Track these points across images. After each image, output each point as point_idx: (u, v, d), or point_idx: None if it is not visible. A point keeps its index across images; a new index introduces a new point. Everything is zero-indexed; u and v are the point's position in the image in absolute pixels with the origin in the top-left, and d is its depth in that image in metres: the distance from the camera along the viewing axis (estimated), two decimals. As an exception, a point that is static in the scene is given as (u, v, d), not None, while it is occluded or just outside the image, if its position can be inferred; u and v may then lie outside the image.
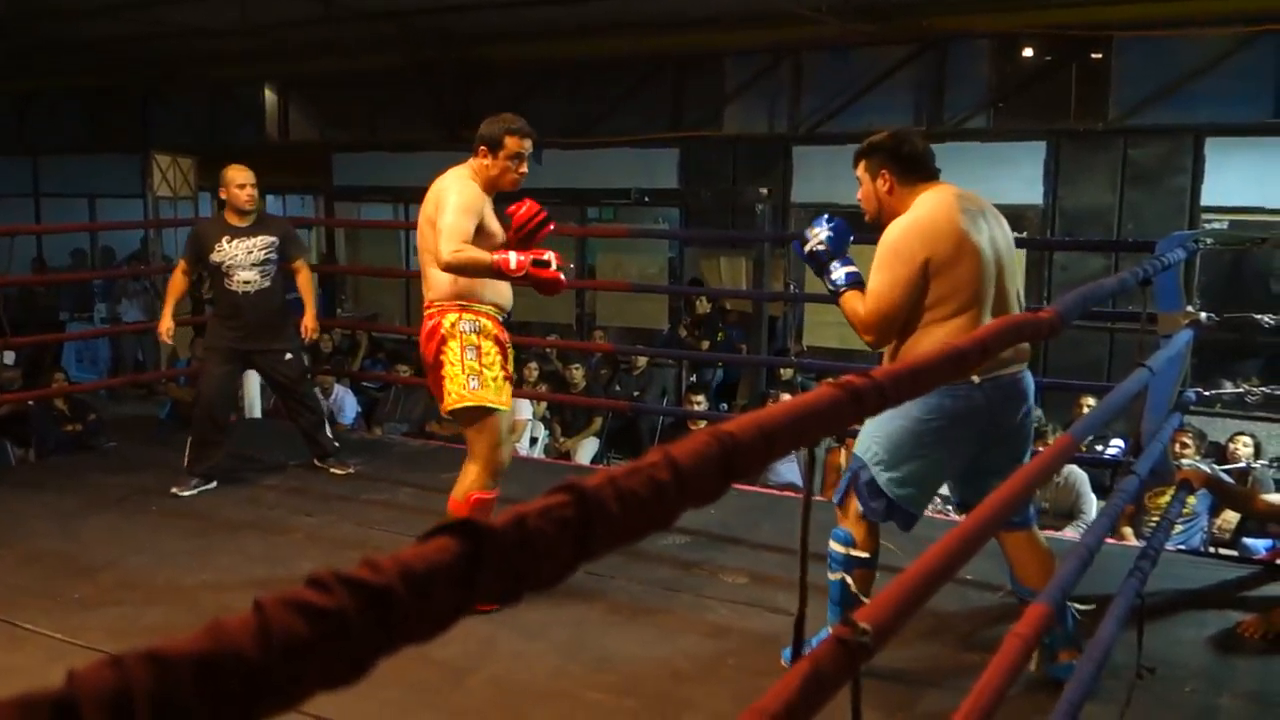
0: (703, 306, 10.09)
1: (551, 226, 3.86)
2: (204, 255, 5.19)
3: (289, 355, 5.36)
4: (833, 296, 3.08)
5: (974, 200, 3.02)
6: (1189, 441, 6.27)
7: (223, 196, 5.22)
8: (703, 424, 6.69)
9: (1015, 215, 9.43)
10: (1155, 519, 4.15)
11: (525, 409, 8.00)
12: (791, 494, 5.83)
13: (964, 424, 2.96)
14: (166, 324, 5.27)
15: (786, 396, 6.66)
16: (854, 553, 3.09)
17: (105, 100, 14.28)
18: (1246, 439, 6.90)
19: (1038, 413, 7.75)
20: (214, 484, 5.17)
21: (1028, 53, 9.36)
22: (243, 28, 9.99)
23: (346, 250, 13.32)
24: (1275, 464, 6.20)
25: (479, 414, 3.63)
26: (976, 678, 1.69)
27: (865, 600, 3.07)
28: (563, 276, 3.61)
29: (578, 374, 8.76)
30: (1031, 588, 3.07)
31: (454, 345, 3.60)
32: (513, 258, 3.49)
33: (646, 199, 10.84)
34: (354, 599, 0.55)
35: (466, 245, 3.48)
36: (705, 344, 9.70)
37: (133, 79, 13.60)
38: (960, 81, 9.64)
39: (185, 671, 0.47)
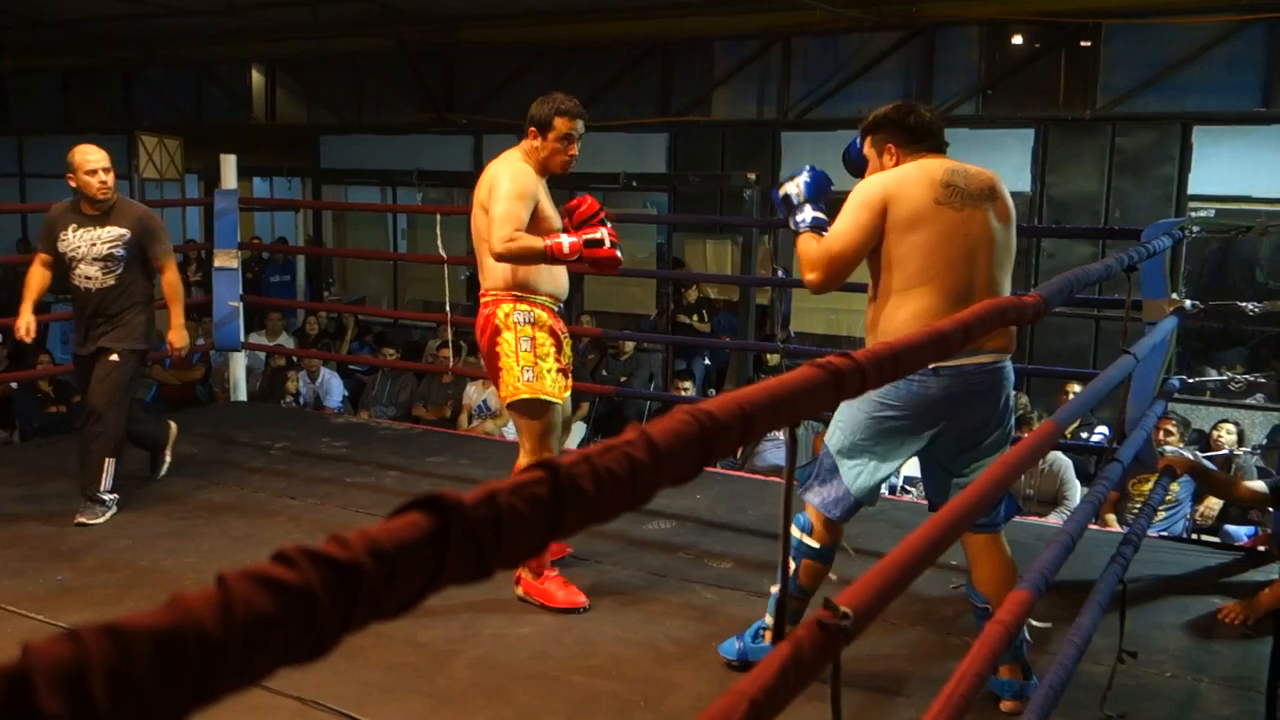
0: (700, 293, 10.10)
1: (610, 224, 3.81)
2: (53, 244, 4.59)
3: (115, 356, 4.48)
4: (793, 237, 2.98)
5: (973, 178, 2.85)
6: (1173, 429, 6.30)
7: (71, 184, 4.58)
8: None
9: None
10: (1139, 505, 4.16)
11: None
12: (777, 479, 5.84)
13: (918, 414, 2.82)
14: (24, 319, 4.61)
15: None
16: (807, 540, 2.97)
17: (89, 80, 14.18)
18: (1230, 426, 6.93)
19: (1023, 399, 7.80)
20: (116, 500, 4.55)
21: (1017, 40, 9.36)
22: (227, 7, 9.92)
23: (333, 233, 13.27)
24: (1258, 451, 6.23)
25: (533, 406, 3.52)
26: (959, 663, 1.69)
27: (805, 593, 2.99)
28: (619, 253, 3.55)
29: (565, 358, 8.73)
30: (985, 596, 2.96)
31: (509, 337, 3.51)
32: (565, 241, 3.42)
33: (635, 183, 10.81)
34: (320, 574, 0.54)
35: (520, 234, 3.39)
36: (706, 327, 9.74)
37: (117, 59, 13.51)
38: (949, 68, 9.63)
39: (144, 646, 0.46)
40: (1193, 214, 8.46)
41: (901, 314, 2.80)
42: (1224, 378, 5.34)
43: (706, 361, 10.02)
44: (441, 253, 5.82)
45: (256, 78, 13.31)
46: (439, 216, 6.17)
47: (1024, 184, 9.18)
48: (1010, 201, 2.93)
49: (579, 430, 8.55)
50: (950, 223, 2.76)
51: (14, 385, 7.66)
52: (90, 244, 4.53)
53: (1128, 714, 2.94)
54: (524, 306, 3.53)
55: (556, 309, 3.66)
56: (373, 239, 12.76)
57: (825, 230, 2.88)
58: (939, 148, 2.92)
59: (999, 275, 2.86)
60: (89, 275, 4.53)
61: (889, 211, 2.76)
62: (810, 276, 2.86)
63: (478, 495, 0.66)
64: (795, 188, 2.99)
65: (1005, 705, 2.96)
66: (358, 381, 9.59)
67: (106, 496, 4.49)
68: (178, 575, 3.85)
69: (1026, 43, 9.33)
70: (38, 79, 14.57)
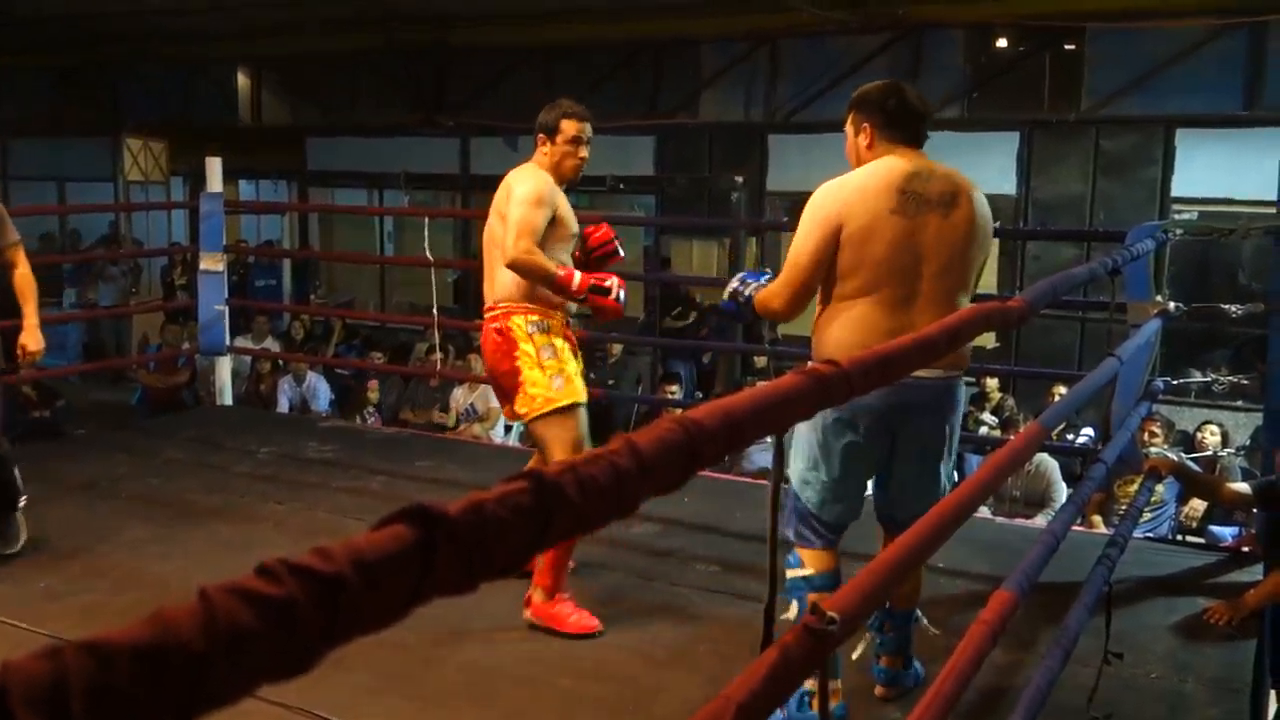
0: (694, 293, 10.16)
1: (622, 255, 3.77)
2: None
3: None
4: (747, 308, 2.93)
5: (935, 181, 2.75)
6: (1157, 430, 6.32)
7: None
8: (678, 413, 6.67)
9: (989, 204, 9.55)
10: (1124, 507, 4.18)
11: (499, 396, 7.98)
12: (765, 482, 5.84)
13: (864, 425, 2.75)
14: None
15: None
16: (803, 573, 2.85)
17: (74, 81, 14.10)
18: (1214, 428, 6.97)
19: (1009, 401, 7.82)
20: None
21: (1002, 43, 9.39)
22: (214, 5, 9.90)
23: (320, 235, 13.23)
24: (1242, 452, 6.26)
25: (567, 414, 3.43)
26: (944, 664, 1.70)
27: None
28: (622, 305, 3.53)
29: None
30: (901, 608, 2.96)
31: (528, 348, 3.43)
32: (577, 276, 3.39)
33: (622, 185, 10.82)
34: (303, 588, 0.54)
35: (536, 249, 3.36)
36: (703, 331, 9.77)
37: (101, 60, 13.45)
38: (935, 71, 9.66)
39: (124, 662, 0.46)
40: (1176, 216, 8.50)
41: (839, 322, 2.76)
42: (1208, 379, 5.37)
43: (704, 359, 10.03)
44: (429, 255, 5.81)
45: (243, 79, 13.27)
46: (426, 219, 6.16)
47: (1009, 186, 9.21)
48: (979, 208, 2.82)
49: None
50: (900, 231, 2.69)
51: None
52: None
53: (1114, 715, 2.94)
54: (535, 317, 3.47)
55: (568, 321, 3.65)
56: (360, 241, 12.73)
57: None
58: (916, 139, 2.83)
59: (948, 284, 2.74)
60: None
61: (843, 228, 2.70)
62: (775, 306, 2.84)
63: (463, 505, 0.66)
64: (738, 283, 3.01)
65: (879, 691, 3.03)
66: (344, 385, 9.57)
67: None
68: (163, 581, 3.82)
69: (1012, 46, 9.36)
70: (24, 80, 14.49)
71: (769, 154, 10.26)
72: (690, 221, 10.70)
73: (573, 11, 10.23)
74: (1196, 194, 8.69)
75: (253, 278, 12.52)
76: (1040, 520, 5.81)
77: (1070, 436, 7.05)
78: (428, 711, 2.97)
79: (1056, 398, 6.97)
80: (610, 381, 9.07)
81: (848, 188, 2.75)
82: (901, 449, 2.81)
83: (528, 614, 3.48)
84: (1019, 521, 5.53)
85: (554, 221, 3.44)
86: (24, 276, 4.05)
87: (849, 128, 2.89)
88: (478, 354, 8.43)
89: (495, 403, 7.88)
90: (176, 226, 13.11)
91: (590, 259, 3.68)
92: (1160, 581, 3.99)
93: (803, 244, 2.76)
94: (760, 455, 6.94)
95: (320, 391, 8.79)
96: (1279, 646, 3.62)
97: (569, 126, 3.48)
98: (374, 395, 8.51)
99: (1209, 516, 6.33)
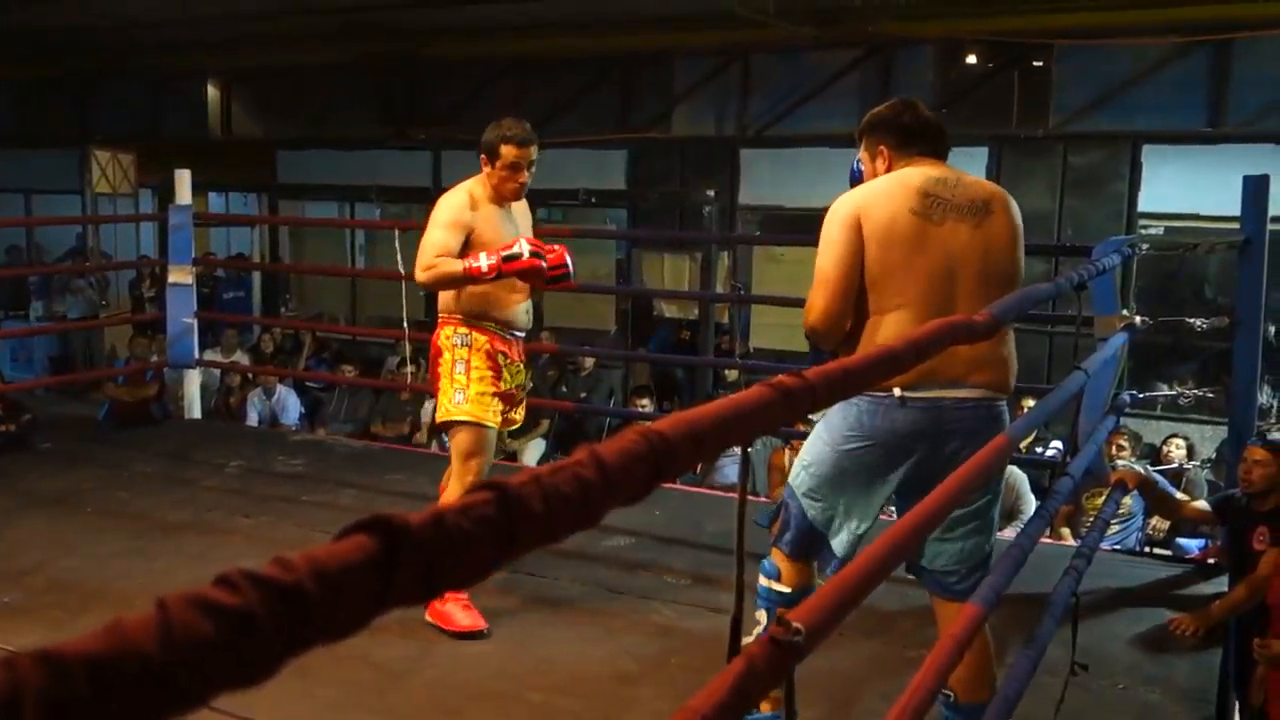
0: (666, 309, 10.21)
1: (572, 284, 3.75)
2: None
3: None
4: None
5: (964, 188, 2.61)
6: (1125, 443, 6.39)
7: None
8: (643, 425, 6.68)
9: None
10: (1092, 519, 4.21)
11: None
12: (735, 495, 5.85)
13: (885, 450, 2.55)
14: None
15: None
16: (777, 587, 2.71)
17: (40, 93, 13.97)
18: (1179, 441, 7.04)
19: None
20: None
21: (971, 59, 9.48)
22: (184, 19, 9.85)
23: (291, 249, 13.16)
24: (1208, 465, 6.33)
25: (461, 428, 3.54)
26: (913, 677, 1.70)
27: None
28: (543, 263, 3.44)
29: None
30: (969, 700, 2.65)
31: (445, 359, 3.56)
32: (483, 260, 3.39)
33: (594, 200, 10.83)
34: (262, 598, 0.54)
35: (438, 260, 3.42)
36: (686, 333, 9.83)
37: (69, 71, 13.33)
38: (905, 86, 9.72)
39: (80, 672, 0.46)
40: (1143, 231, 8.59)
41: (871, 336, 2.56)
42: (1174, 393, 5.42)
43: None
44: (400, 269, 5.78)
45: (212, 92, 13.19)
46: (397, 232, 6.13)
47: (979, 201, 9.29)
48: (1014, 220, 2.68)
49: (538, 446, 8.54)
50: (927, 236, 2.52)
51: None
52: None
53: (1081, 726, 2.96)
54: (463, 330, 3.56)
55: (507, 335, 3.64)
56: (331, 255, 12.67)
57: None
58: (936, 152, 2.69)
59: (993, 296, 2.42)
60: None
61: (863, 224, 2.53)
62: (818, 326, 2.60)
63: (425, 516, 0.66)
64: None
65: None
66: (315, 398, 9.51)
67: None
68: (129, 595, 3.79)
69: (981, 62, 9.45)
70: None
71: (741, 168, 10.30)
72: (662, 235, 10.72)
73: (545, 26, 10.25)
74: (1163, 209, 8.79)
75: (222, 291, 12.43)
76: (1009, 533, 5.84)
77: (1039, 449, 7.10)
78: (397, 726, 2.96)
79: (1025, 411, 7.02)
80: (583, 395, 9.07)
81: (864, 190, 2.60)
82: (927, 478, 2.33)
83: (426, 614, 3.51)
84: (988, 534, 5.55)
85: (472, 244, 3.48)
86: None
87: (863, 154, 2.75)
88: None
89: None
90: (145, 239, 13.01)
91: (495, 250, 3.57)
92: (1128, 593, 4.03)
93: (827, 251, 2.57)
94: (731, 468, 6.95)
95: (290, 405, 8.74)
96: (1242, 656, 3.66)
97: (507, 153, 3.50)
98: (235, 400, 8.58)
99: (1176, 529, 6.38)
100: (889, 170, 2.67)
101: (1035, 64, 9.15)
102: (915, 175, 2.60)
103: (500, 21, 10.18)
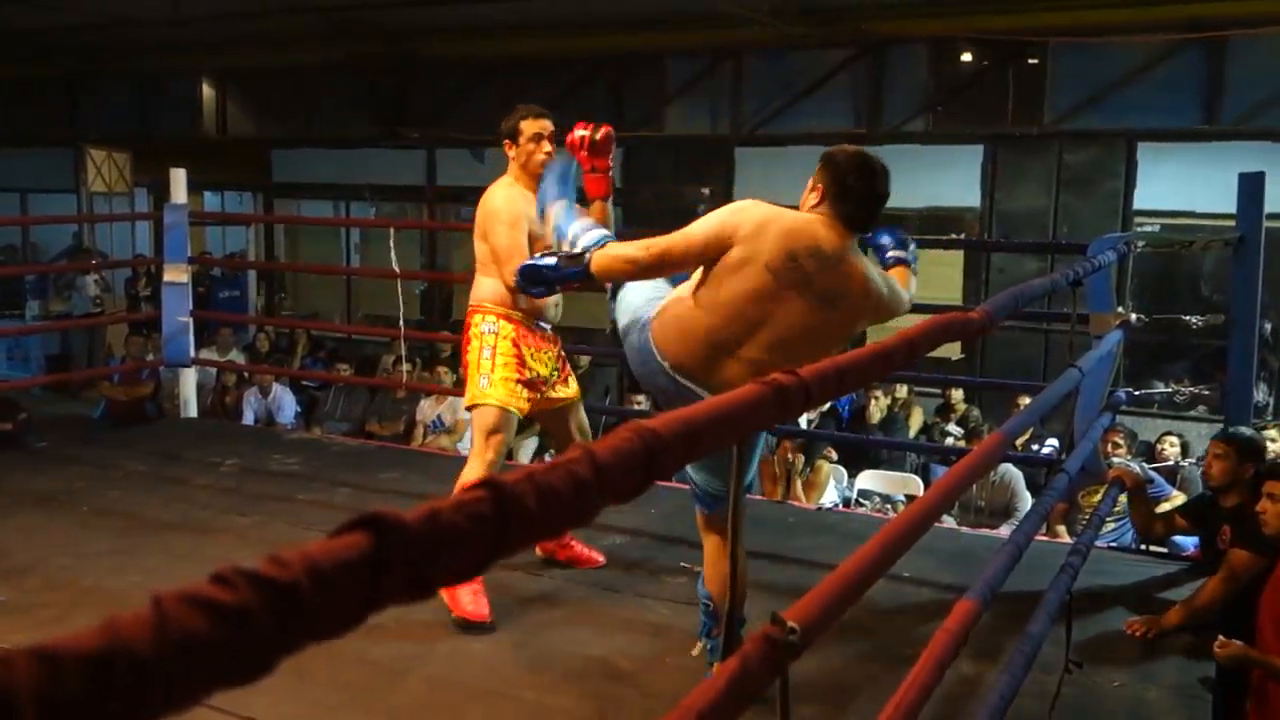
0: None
1: (609, 129, 3.54)
2: None
3: None
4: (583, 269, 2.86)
5: (830, 273, 2.67)
6: (1120, 441, 6.39)
7: None
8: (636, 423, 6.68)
9: (953, 218, 9.66)
10: (1088, 517, 4.22)
11: (467, 408, 7.96)
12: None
13: (653, 389, 2.95)
14: None
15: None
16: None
17: (33, 92, 13.96)
18: (1173, 439, 7.04)
19: (974, 413, 7.88)
20: None
21: (965, 57, 9.49)
22: (176, 19, 9.83)
23: (286, 247, 13.16)
24: (1201, 463, 6.34)
25: (485, 411, 3.65)
26: (907, 673, 1.71)
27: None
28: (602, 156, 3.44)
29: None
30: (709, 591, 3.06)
31: (474, 346, 3.70)
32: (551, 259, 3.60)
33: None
34: (257, 595, 0.54)
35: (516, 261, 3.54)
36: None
37: (61, 70, 13.32)
38: (899, 85, 9.75)
39: (75, 669, 0.46)
40: (1138, 229, 8.61)
41: (687, 319, 2.78)
42: (1169, 390, 5.43)
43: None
44: (395, 267, 5.80)
45: (207, 91, 13.18)
46: (392, 231, 6.14)
47: (974, 199, 9.29)
48: (856, 314, 2.75)
49: (531, 444, 8.54)
50: (763, 289, 2.66)
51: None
52: None
53: (1076, 723, 2.97)
54: (491, 318, 3.70)
55: (533, 325, 3.76)
56: (325, 254, 12.67)
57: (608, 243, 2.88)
58: (856, 223, 2.74)
59: (774, 357, 2.65)
60: None
61: (732, 247, 2.67)
62: (624, 270, 2.84)
63: (419, 514, 0.66)
64: (565, 236, 2.98)
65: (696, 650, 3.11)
66: (310, 397, 9.50)
67: None
68: (122, 594, 3.78)
69: (975, 60, 9.46)
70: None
71: (735, 167, 10.31)
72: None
73: (537, 25, 10.25)
74: (1158, 207, 8.81)
75: (217, 290, 12.42)
76: (1005, 530, 5.85)
77: (1035, 447, 7.11)
78: (392, 725, 2.96)
79: (1020, 409, 7.03)
80: (578, 393, 9.05)
81: (764, 218, 2.70)
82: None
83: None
84: (983, 531, 5.56)
85: (532, 238, 3.58)
86: None
87: (812, 177, 2.82)
88: (445, 366, 8.42)
89: (462, 414, 7.88)
90: (140, 238, 13.00)
91: (589, 154, 3.47)
92: (1123, 590, 4.04)
93: (698, 231, 2.73)
94: (727, 467, 6.95)
95: (285, 404, 8.72)
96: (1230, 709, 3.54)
97: (528, 126, 3.66)
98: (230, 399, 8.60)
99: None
100: (815, 206, 2.75)
101: (1030, 62, 9.16)
102: (804, 235, 2.67)
103: (490, 21, 10.18)
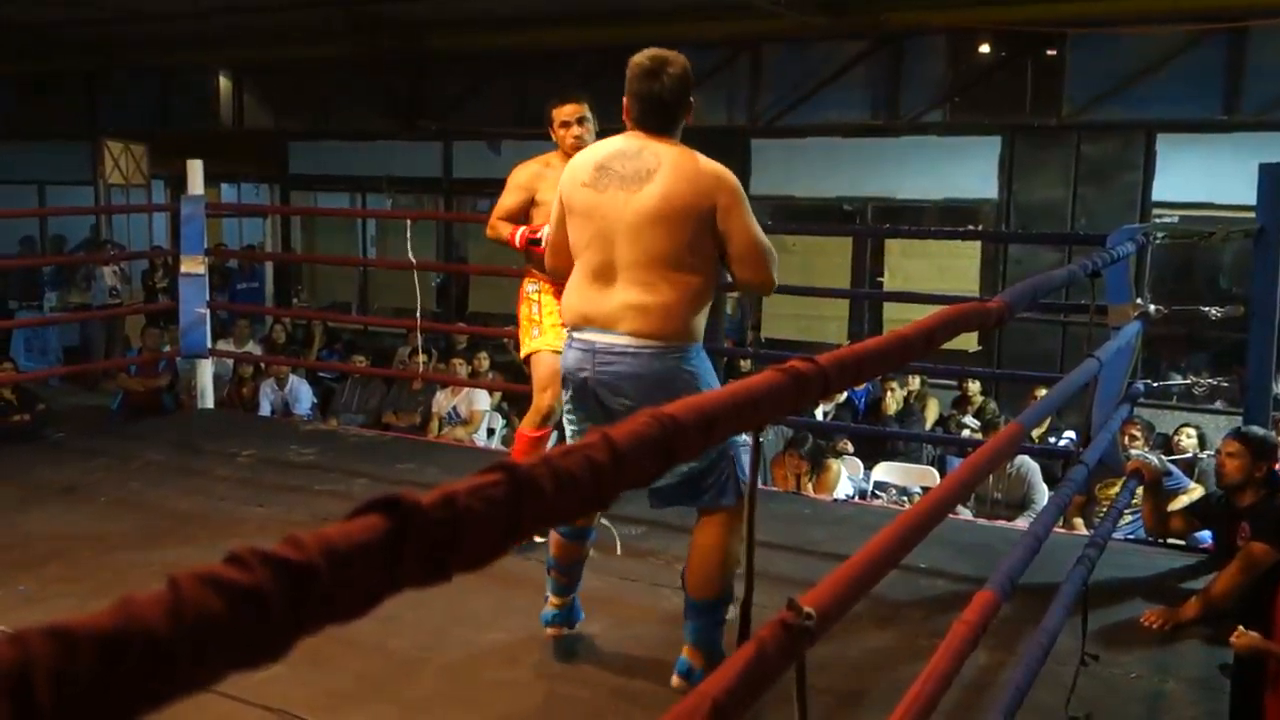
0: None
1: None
2: None
3: None
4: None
5: (635, 160, 2.82)
6: (1138, 433, 6.35)
7: None
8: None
9: (971, 209, 9.62)
10: (1105, 509, 4.19)
11: (482, 400, 7.97)
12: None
13: (572, 383, 2.96)
14: None
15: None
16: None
17: (51, 86, 14.01)
18: (1190, 431, 7.00)
19: (991, 404, 7.84)
20: None
21: (984, 49, 9.43)
22: (193, 12, 9.86)
23: (302, 239, 13.19)
24: (1218, 455, 6.29)
25: (538, 359, 3.99)
26: (925, 664, 1.70)
27: (560, 567, 3.27)
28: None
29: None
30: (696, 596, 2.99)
31: (524, 308, 4.12)
32: (517, 234, 3.93)
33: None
34: (274, 577, 0.54)
35: (498, 221, 4.02)
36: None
37: (79, 64, 13.37)
38: (917, 76, 9.70)
39: (90, 648, 0.46)
40: (1157, 220, 8.55)
41: (567, 289, 3.00)
42: (1188, 382, 5.39)
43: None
44: (411, 259, 5.80)
45: (224, 83, 13.21)
46: (409, 222, 6.15)
47: (991, 191, 9.24)
48: (672, 186, 2.80)
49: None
50: (589, 204, 2.85)
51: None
52: None
53: (1093, 714, 2.96)
54: (532, 280, 4.13)
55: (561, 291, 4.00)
56: (342, 245, 12.69)
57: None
58: (649, 122, 2.88)
59: (637, 257, 2.79)
60: None
61: (563, 201, 2.96)
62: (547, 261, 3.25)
63: (436, 496, 0.65)
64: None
65: (675, 681, 2.99)
66: (326, 389, 9.53)
67: None
68: (141, 584, 3.75)
69: (993, 52, 9.41)
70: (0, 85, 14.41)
71: (752, 158, 10.28)
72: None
73: (553, 17, 10.23)
74: (1177, 199, 8.74)
75: (234, 281, 12.46)
76: (1021, 522, 5.82)
77: (1052, 439, 7.08)
78: (408, 715, 2.97)
79: (1038, 400, 7.00)
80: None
81: (571, 166, 2.99)
82: (616, 414, 2.72)
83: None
84: (1000, 523, 5.54)
85: (535, 201, 3.99)
86: None
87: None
88: (460, 358, 8.43)
89: (478, 406, 7.90)
90: (158, 230, 13.05)
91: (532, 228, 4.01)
92: (1140, 582, 4.02)
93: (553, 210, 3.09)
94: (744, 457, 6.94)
95: (302, 395, 8.75)
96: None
97: (556, 114, 4.02)
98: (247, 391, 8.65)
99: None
100: (624, 119, 2.93)
101: (1048, 53, 9.11)
102: (604, 148, 2.92)
103: (504, 13, 10.17)
